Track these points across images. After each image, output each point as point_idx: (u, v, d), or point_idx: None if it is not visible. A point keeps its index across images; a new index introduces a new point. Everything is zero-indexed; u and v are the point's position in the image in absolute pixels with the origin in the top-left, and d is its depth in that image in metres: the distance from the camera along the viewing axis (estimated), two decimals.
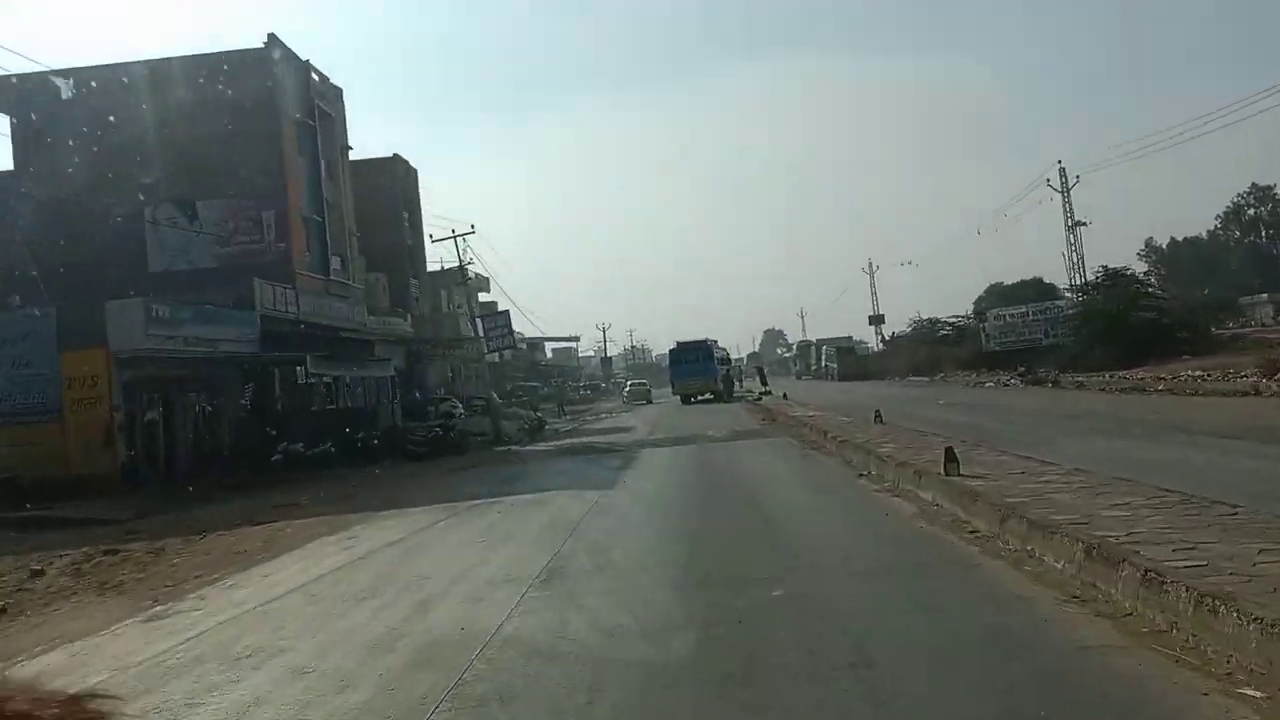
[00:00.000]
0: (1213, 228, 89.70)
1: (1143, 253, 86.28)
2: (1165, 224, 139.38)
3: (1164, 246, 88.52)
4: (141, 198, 30.44)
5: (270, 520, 13.11)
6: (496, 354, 48.17)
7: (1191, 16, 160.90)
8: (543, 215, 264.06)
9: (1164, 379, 30.10)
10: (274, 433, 25.01)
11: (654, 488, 13.57)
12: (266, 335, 28.15)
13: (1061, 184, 49.78)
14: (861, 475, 12.18)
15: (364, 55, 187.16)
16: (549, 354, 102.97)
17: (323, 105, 35.39)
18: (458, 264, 34.08)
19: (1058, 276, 65.18)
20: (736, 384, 58.90)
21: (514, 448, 25.79)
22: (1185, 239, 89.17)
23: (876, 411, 18.09)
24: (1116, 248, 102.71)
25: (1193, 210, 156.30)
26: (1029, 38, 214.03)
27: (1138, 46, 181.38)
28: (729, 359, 64.66)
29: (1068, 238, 50.90)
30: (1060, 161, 50.26)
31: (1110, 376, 33.84)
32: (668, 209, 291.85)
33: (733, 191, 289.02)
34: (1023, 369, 41.80)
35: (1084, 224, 52.04)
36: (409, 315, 43.36)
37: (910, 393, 40.38)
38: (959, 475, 9.16)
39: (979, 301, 79.53)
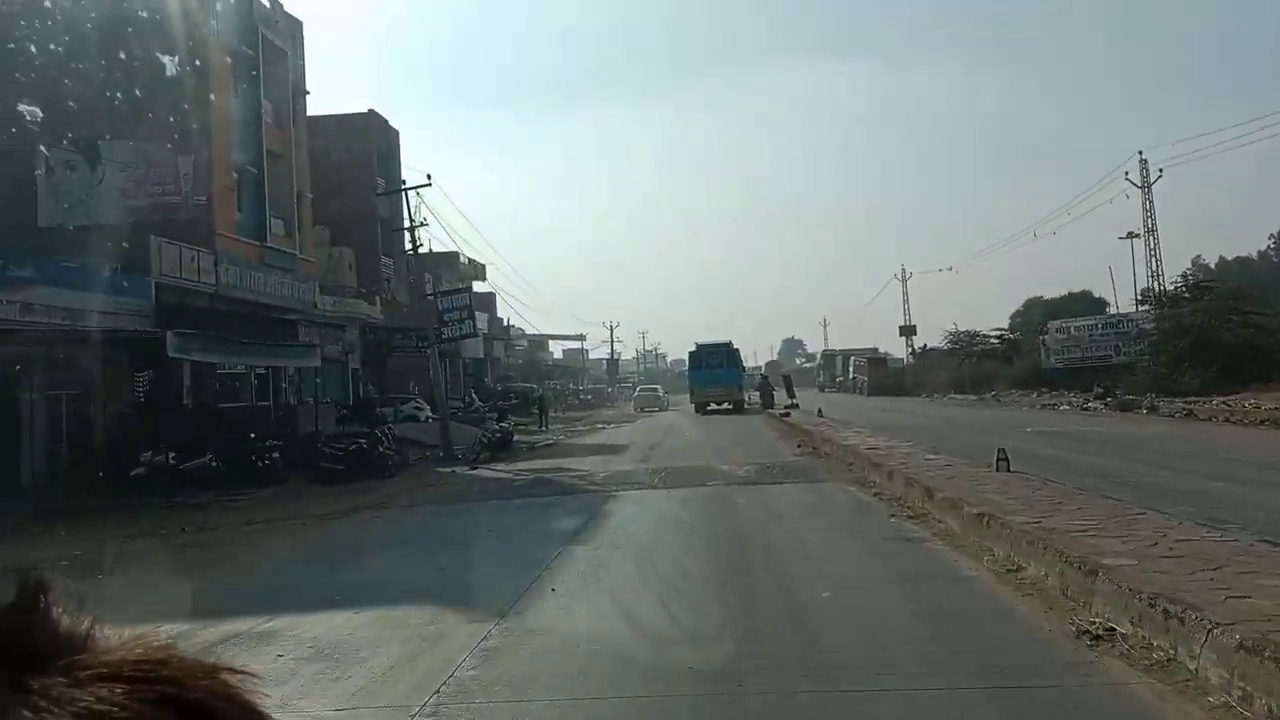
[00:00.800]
0: (1264, 248, 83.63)
1: (1190, 271, 79.90)
2: (1206, 243, 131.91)
3: (1213, 265, 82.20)
4: (30, 131, 24.30)
5: None
6: (478, 342, 41.98)
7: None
8: (556, 213, 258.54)
9: None
10: (150, 438, 18.75)
11: (599, 631, 6.15)
12: (167, 309, 22.00)
13: (1142, 178, 42.77)
14: (1096, 638, 5.21)
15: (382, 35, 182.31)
16: (558, 354, 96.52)
17: (271, 37, 29.09)
18: (408, 225, 27.64)
19: (1103, 291, 59.76)
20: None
21: (459, 469, 19.30)
22: (1236, 258, 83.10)
23: (1000, 452, 11.41)
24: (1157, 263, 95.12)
25: (1240, 229, 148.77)
26: (1070, 51, 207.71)
27: (1189, 59, 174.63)
28: (744, 366, 57.41)
29: (1147, 240, 44.00)
30: (1141, 152, 43.20)
31: (1229, 404, 27.24)
32: (685, 214, 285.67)
33: (756, 198, 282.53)
34: (1101, 389, 35.07)
35: (1137, 235, 45.60)
36: (379, 299, 37.14)
37: (969, 415, 33.60)
38: None
39: (1015, 316, 73.14)
